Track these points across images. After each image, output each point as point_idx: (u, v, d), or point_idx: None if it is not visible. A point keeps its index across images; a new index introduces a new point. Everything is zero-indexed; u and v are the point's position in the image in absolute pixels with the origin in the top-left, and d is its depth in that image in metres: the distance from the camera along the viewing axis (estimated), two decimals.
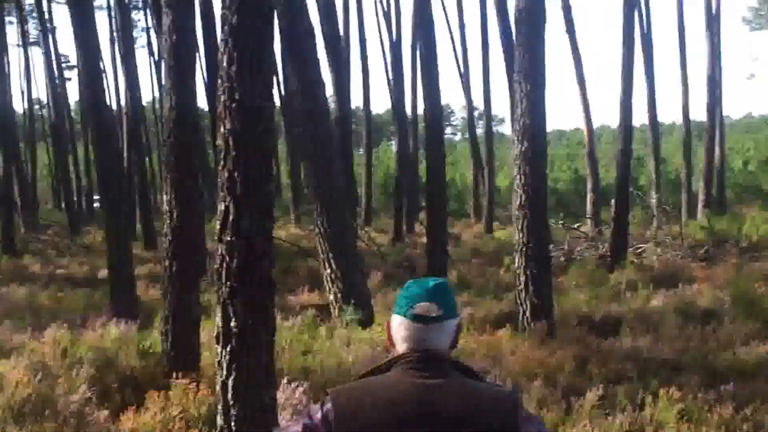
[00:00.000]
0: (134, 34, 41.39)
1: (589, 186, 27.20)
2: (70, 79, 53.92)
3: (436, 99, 17.24)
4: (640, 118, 37.17)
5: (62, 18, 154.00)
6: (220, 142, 5.56)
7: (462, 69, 33.88)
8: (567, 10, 25.73)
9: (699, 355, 10.33)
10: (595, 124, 50.13)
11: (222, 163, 5.53)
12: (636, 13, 28.00)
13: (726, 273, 16.33)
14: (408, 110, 30.37)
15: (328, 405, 2.57)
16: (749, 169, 43.63)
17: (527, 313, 11.32)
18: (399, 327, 2.67)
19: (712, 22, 29.93)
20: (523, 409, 2.64)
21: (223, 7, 5.56)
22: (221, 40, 5.58)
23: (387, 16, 29.48)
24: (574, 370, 9.70)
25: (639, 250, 19.31)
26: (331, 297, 12.54)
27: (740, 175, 42.20)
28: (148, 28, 41.87)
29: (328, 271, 12.46)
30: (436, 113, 17.64)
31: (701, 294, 14.51)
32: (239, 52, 5.41)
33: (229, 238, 5.50)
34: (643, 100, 28.61)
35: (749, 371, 9.60)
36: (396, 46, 27.74)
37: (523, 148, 11.04)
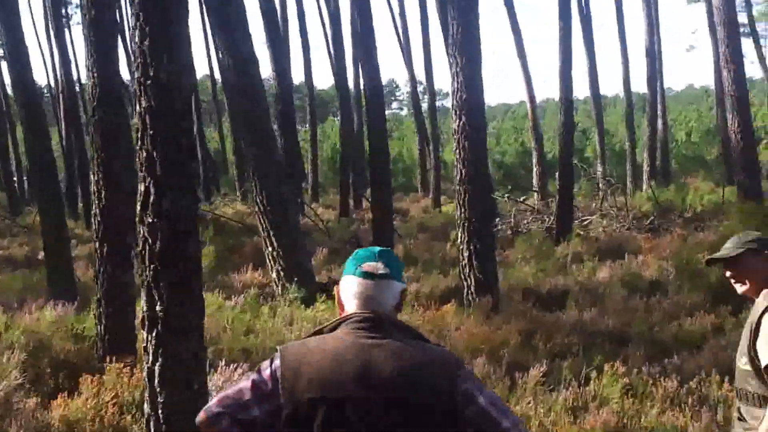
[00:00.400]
0: (69, 11, 40.49)
1: (534, 159, 27.11)
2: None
3: (376, 73, 17.01)
4: (584, 90, 37.27)
5: None
6: (136, 120, 5.25)
7: (403, 43, 33.54)
8: None
9: (644, 328, 10.26)
10: (540, 98, 50.30)
11: (139, 142, 5.23)
12: None
13: (671, 244, 16.32)
14: (351, 85, 29.99)
15: (277, 362, 2.71)
16: (692, 139, 43.84)
17: (471, 289, 11.17)
18: (349, 285, 2.83)
19: None
20: (464, 369, 2.73)
21: None
22: (132, 14, 5.28)
23: None
24: (519, 344, 9.57)
25: (585, 223, 19.27)
26: (274, 275, 12.29)
27: (684, 146, 42.38)
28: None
29: (270, 249, 12.20)
30: (376, 88, 17.39)
31: (647, 265, 14.48)
32: (152, 27, 5.10)
33: (150, 220, 5.23)
34: (585, 73, 28.70)
35: (694, 343, 9.53)
36: (335, 20, 27.24)
37: (461, 123, 10.86)
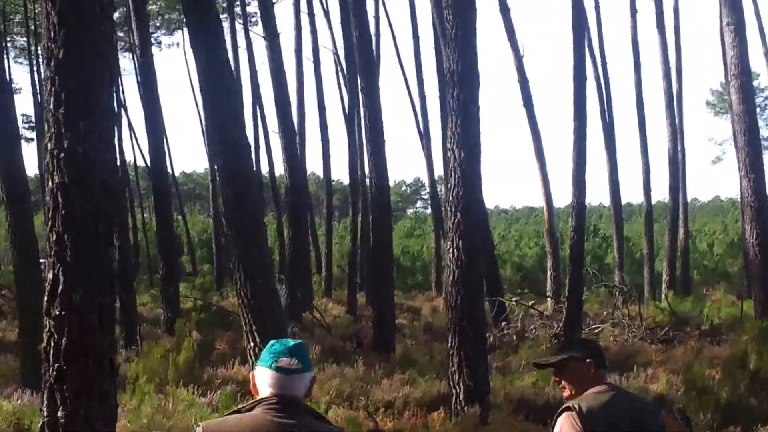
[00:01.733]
0: None
1: (549, 263, 26.27)
2: None
3: (382, 168, 16.60)
4: (605, 196, 36.65)
5: None
6: (48, 198, 4.62)
7: (424, 140, 33.24)
8: (524, 83, 25.14)
9: None
10: (564, 202, 49.61)
11: (50, 223, 4.57)
12: (596, 90, 27.83)
13: (685, 356, 15.47)
14: (367, 181, 29.56)
15: None
16: (715, 251, 43.02)
17: (460, 397, 10.39)
18: (264, 377, 3.18)
19: (672, 102, 29.51)
20: None
21: (47, 40, 4.65)
22: (46, 78, 4.71)
23: (346, 83, 28.60)
24: None
25: (596, 331, 18.42)
26: None
27: (706, 257, 41.58)
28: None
29: (252, 345, 11.44)
30: (382, 181, 16.90)
31: (655, 379, 13.62)
32: (68, 92, 4.51)
33: (57, 312, 4.56)
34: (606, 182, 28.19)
35: None
36: (351, 113, 26.92)
37: (456, 221, 10.23)
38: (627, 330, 18.28)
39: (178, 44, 46.41)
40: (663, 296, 27.12)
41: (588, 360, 4.14)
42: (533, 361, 4.61)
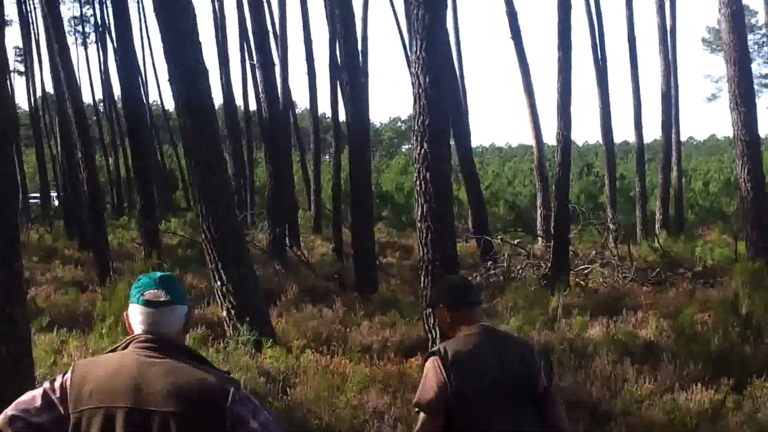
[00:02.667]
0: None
1: (538, 201, 25.61)
2: None
3: (360, 100, 15.83)
4: (598, 135, 35.84)
5: None
6: None
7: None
8: (512, 15, 24.18)
9: (632, 401, 8.79)
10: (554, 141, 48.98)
11: None
12: (588, 26, 26.89)
13: (676, 300, 14.82)
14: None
15: (68, 374, 2.91)
16: (710, 190, 42.33)
17: (437, 342, 9.72)
18: (134, 313, 3.01)
19: (666, 36, 28.45)
20: (240, 392, 2.85)
21: None
22: None
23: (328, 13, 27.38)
24: None
25: (585, 271, 17.75)
26: (224, 313, 10.89)
27: (701, 197, 40.89)
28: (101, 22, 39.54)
29: (218, 283, 10.80)
30: (360, 113, 16.16)
31: (644, 323, 13.00)
32: None
33: None
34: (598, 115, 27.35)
35: (688, 425, 8.06)
36: (332, 47, 25.70)
37: (423, 151, 9.44)
38: (617, 271, 17.59)
39: None
40: (655, 236, 26.48)
41: (441, 306, 4.06)
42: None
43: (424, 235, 9.53)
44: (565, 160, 16.80)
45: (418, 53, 9.43)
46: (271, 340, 10.28)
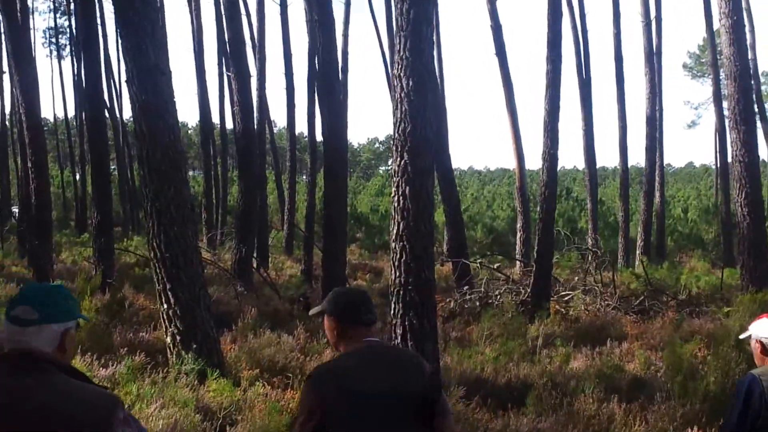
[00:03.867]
0: None
1: (518, 224, 24.46)
2: None
3: (336, 115, 14.72)
4: (581, 161, 34.95)
5: None
6: None
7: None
8: (497, 30, 23.15)
9: None
10: (536, 166, 48.08)
11: None
12: (573, 44, 25.96)
13: (662, 330, 13.76)
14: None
15: None
16: (690, 216, 41.51)
17: None
18: (5, 328, 2.74)
19: (652, 57, 27.49)
20: (122, 411, 2.66)
21: None
22: None
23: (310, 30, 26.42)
24: None
25: (566, 298, 16.64)
26: (168, 339, 9.71)
27: (680, 224, 40.04)
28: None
29: (165, 306, 9.62)
30: (336, 128, 15.06)
31: (631, 356, 11.93)
32: None
33: None
34: (582, 141, 26.35)
35: None
36: (312, 63, 24.57)
37: (403, 163, 8.33)
38: (600, 298, 16.51)
39: None
40: (637, 262, 25.44)
41: (330, 316, 3.78)
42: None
43: (398, 256, 8.42)
44: (551, 179, 15.66)
45: (401, 53, 8.34)
46: (218, 371, 9.06)
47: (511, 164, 24.87)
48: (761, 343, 4.56)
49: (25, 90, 17.14)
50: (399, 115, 8.39)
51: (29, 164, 16.94)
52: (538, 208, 16.44)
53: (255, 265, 20.30)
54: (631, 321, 14.93)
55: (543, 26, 15.78)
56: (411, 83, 8.19)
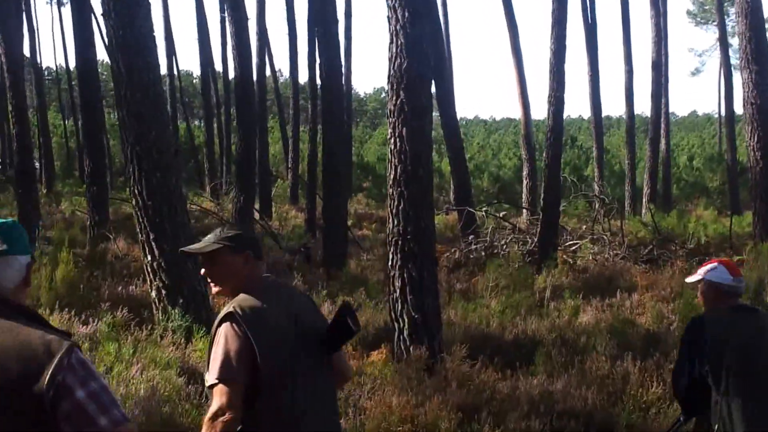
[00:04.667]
0: None
1: (524, 172, 23.51)
2: None
3: (334, 58, 13.90)
4: (586, 110, 33.92)
5: None
6: None
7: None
8: None
9: (636, 408, 6.97)
10: (541, 115, 47.00)
11: None
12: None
13: (672, 280, 12.96)
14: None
15: None
16: (695, 164, 40.59)
17: (404, 333, 7.86)
18: None
19: (657, 0, 26.35)
20: (71, 357, 2.33)
21: None
22: None
23: None
24: (454, 429, 6.30)
25: (574, 248, 15.85)
26: (153, 294, 9.01)
27: (685, 172, 39.17)
28: None
29: (149, 258, 8.90)
30: (333, 72, 14.19)
31: (642, 308, 11.17)
32: None
33: None
34: (587, 89, 25.31)
35: None
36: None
37: (398, 102, 7.51)
38: (608, 247, 15.71)
39: None
40: (644, 211, 24.61)
41: (245, 252, 3.52)
42: (181, 249, 3.78)
43: (395, 203, 7.64)
44: (557, 123, 14.72)
45: None
46: (205, 328, 8.33)
47: (517, 113, 23.83)
48: (713, 285, 4.57)
49: (7, 31, 16.23)
50: (394, 50, 7.55)
51: (9, 108, 16.06)
52: (544, 155, 15.53)
53: (257, 215, 19.54)
54: (640, 271, 14.15)
55: None
56: (407, 14, 7.36)
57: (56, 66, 53.28)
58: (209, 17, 28.40)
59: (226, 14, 19.04)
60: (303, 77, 27.73)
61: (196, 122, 48.37)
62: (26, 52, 29.39)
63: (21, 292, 2.58)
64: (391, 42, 7.57)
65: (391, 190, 7.71)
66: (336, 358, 3.62)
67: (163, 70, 25.52)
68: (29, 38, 30.30)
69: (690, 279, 4.77)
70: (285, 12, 26.49)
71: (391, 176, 7.68)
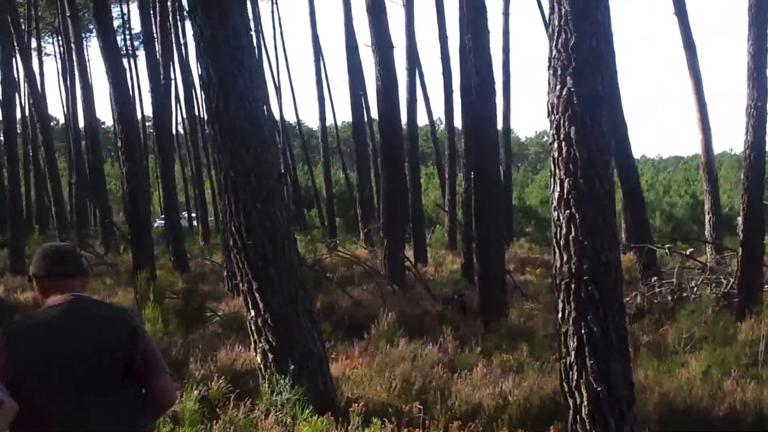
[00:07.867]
0: None
1: (707, 206, 20.38)
2: None
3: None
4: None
5: None
6: None
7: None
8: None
9: None
10: (717, 150, 43.40)
11: None
12: None
13: None
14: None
15: None
16: None
17: (582, 411, 5.48)
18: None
19: None
20: None
21: None
22: None
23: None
24: None
25: None
26: (259, 357, 7.02)
27: None
28: None
29: (252, 313, 6.95)
30: (486, 108, 12.42)
31: None
32: None
33: None
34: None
35: None
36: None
37: (565, 91, 5.32)
38: None
39: None
40: None
41: (33, 275, 3.36)
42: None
43: (563, 230, 5.35)
44: (758, 138, 11.79)
45: None
46: (320, 403, 6.28)
47: (685, 152, 21.12)
48: None
49: (119, 93, 15.76)
50: (556, 22, 5.36)
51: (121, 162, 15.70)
52: (742, 175, 12.57)
53: (411, 262, 17.54)
54: None
55: None
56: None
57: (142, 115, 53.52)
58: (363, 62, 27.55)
59: (371, 46, 17.28)
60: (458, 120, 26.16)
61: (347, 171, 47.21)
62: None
63: None
64: (552, 12, 5.38)
65: (556, 213, 5.41)
66: (152, 378, 3.22)
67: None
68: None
69: None
70: (441, 67, 24.95)
71: (556, 194, 5.38)
